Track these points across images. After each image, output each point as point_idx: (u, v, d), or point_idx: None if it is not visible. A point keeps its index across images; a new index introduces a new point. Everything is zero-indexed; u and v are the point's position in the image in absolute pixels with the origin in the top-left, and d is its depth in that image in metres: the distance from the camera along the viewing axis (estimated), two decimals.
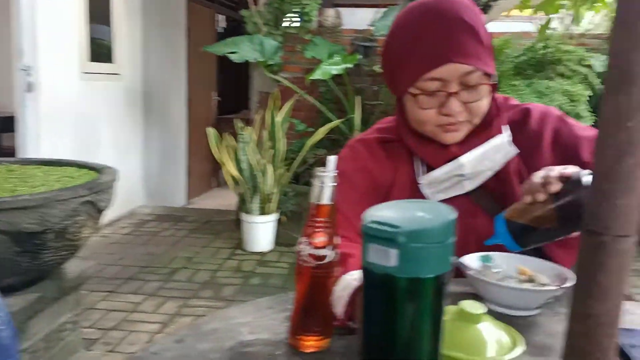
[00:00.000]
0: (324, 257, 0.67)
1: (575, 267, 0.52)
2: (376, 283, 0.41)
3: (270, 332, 0.74)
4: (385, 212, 0.42)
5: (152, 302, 2.92)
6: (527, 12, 3.68)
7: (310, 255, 0.68)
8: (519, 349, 0.60)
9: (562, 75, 3.35)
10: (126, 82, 4.54)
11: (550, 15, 3.52)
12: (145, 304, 2.88)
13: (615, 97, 0.47)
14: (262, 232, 3.71)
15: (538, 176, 0.85)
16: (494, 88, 1.03)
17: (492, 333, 0.61)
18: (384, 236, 0.40)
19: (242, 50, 3.59)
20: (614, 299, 0.49)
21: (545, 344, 0.75)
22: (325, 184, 0.68)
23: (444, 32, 0.95)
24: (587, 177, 0.82)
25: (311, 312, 0.69)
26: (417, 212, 0.42)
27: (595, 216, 0.49)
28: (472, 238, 1.04)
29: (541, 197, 0.82)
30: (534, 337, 0.78)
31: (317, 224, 0.68)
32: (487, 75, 0.98)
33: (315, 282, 0.69)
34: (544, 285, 0.85)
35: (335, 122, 3.55)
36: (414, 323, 0.42)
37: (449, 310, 0.63)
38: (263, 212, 3.67)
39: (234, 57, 3.64)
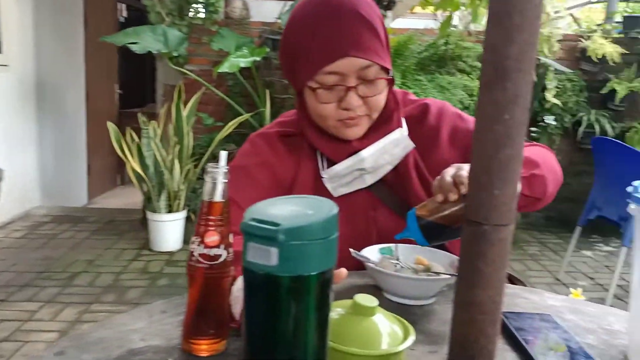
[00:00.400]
0: (217, 256, 0.65)
1: (459, 257, 0.53)
2: (257, 283, 0.40)
3: (162, 337, 0.70)
4: (266, 209, 0.40)
5: (50, 309, 2.73)
6: (430, 9, 3.82)
7: (202, 255, 0.65)
8: (410, 339, 0.60)
9: (462, 71, 3.51)
10: (16, 74, 4.21)
11: (451, 13, 3.68)
12: (42, 312, 2.70)
13: (491, 91, 0.48)
14: (169, 230, 3.59)
15: (449, 174, 0.87)
16: (392, 83, 1.05)
17: (385, 325, 0.61)
18: (264, 234, 0.38)
19: (143, 40, 3.44)
20: (496, 287, 0.51)
21: (439, 332, 0.77)
22: (217, 180, 0.66)
23: (341, 26, 0.95)
24: None
25: (205, 314, 0.67)
26: (299, 209, 0.40)
27: (475, 206, 0.50)
28: (374, 231, 1.06)
29: (453, 196, 0.83)
30: (429, 325, 0.80)
31: (209, 222, 0.65)
32: (385, 70, 1.00)
33: (208, 283, 0.66)
34: (438, 274, 0.88)
35: (245, 116, 3.50)
36: (298, 321, 0.41)
37: (344, 304, 0.63)
38: (170, 209, 3.55)
39: (135, 48, 3.48)
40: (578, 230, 3.35)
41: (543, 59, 3.83)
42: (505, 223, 0.49)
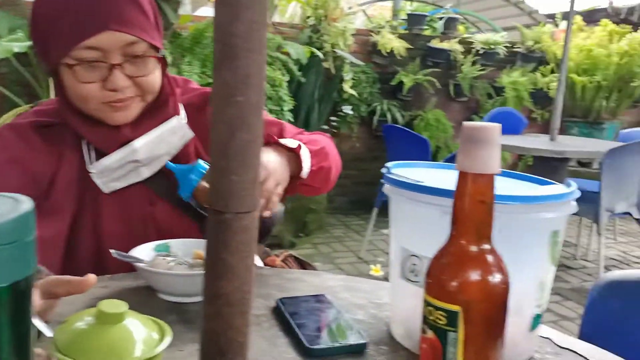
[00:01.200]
0: None
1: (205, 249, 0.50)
2: None
3: None
4: None
5: None
6: None
7: None
8: (167, 340, 0.56)
9: None
10: None
11: None
12: None
13: (222, 72, 0.45)
14: None
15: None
16: (165, 65, 0.99)
17: (138, 330, 0.56)
18: None
19: None
20: (242, 276, 0.49)
21: None
22: None
23: None
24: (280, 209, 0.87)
25: None
26: None
27: (216, 194, 0.47)
28: (152, 228, 0.99)
29: None
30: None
31: None
32: (155, 49, 0.94)
33: None
34: None
35: (23, 107, 3.09)
36: None
37: (87, 313, 0.56)
38: None
39: None
40: (375, 211, 3.62)
41: (339, 52, 4.06)
42: (246, 210, 0.47)
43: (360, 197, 4.69)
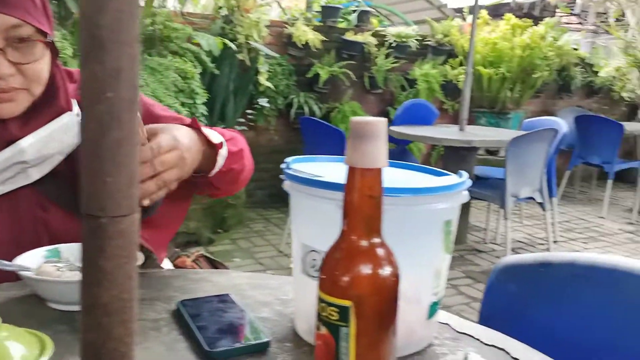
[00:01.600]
0: None
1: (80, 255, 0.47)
2: None
3: None
4: None
5: None
6: None
7: None
8: (48, 353, 0.52)
9: (175, 53, 3.43)
10: None
11: None
12: None
13: (89, 65, 0.42)
14: None
15: (147, 156, 0.79)
16: (55, 54, 0.93)
17: (13, 345, 0.52)
18: None
19: None
20: (121, 284, 0.46)
21: None
22: None
23: None
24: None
25: None
26: None
27: (89, 198, 0.44)
28: (44, 235, 0.93)
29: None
30: None
31: None
32: (43, 35, 0.88)
33: None
34: None
35: None
36: None
37: None
38: None
39: None
40: None
41: (253, 44, 4.01)
42: (124, 213, 0.44)
43: (280, 190, 4.57)
